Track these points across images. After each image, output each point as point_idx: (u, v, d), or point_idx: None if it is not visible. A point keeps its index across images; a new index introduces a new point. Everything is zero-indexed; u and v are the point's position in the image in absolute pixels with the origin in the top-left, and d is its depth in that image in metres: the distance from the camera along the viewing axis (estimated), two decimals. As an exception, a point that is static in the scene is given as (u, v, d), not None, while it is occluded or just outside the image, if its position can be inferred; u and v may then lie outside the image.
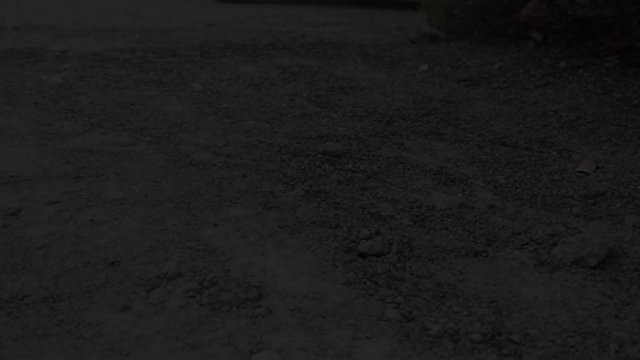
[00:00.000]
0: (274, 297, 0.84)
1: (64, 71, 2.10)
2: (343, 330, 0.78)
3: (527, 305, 0.85)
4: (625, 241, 1.03)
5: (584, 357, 0.74)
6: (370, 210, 1.12)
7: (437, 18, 3.02)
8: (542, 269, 0.94)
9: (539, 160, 1.40)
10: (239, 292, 0.84)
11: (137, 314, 0.80)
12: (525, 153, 1.45)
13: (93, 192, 1.15)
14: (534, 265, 0.94)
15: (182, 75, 2.12)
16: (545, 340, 0.77)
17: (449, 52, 2.64)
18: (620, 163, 1.39)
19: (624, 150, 1.48)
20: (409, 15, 4.87)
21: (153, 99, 1.82)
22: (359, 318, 0.80)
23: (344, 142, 1.49)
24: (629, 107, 1.77)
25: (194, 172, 1.27)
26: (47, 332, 0.77)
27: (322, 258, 0.95)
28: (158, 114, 1.67)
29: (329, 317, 0.80)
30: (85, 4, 5.55)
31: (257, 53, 2.60)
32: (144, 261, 0.92)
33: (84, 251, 0.94)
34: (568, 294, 0.88)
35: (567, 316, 0.82)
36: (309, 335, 0.77)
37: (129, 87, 1.94)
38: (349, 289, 0.87)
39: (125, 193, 1.15)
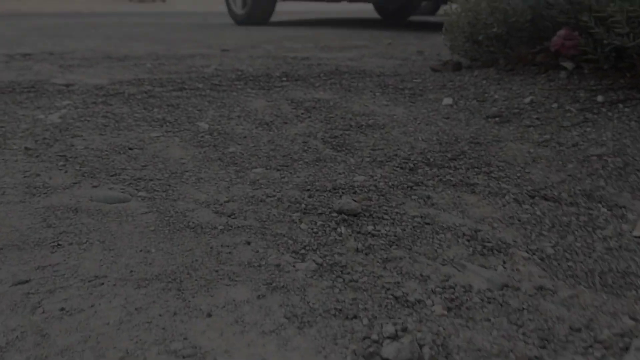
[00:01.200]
0: None
1: (64, 109, 1.95)
2: None
3: None
4: None
5: None
6: (394, 292, 0.92)
7: (460, 45, 2.83)
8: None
9: (589, 220, 1.20)
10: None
11: None
12: (571, 210, 1.25)
13: (71, 267, 0.98)
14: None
15: (188, 113, 1.96)
16: None
17: (473, 82, 2.45)
18: (683, 223, 1.18)
19: (685, 206, 1.27)
20: (429, 37, 4.70)
21: (154, 142, 1.65)
22: None
23: (362, 196, 1.30)
24: (682, 151, 1.56)
25: (190, 237, 1.09)
26: None
27: (336, 366, 0.75)
28: (157, 161, 1.51)
29: None
30: (109, 29, 5.48)
31: (270, 85, 2.43)
32: (117, 371, 0.74)
33: (45, 358, 0.76)
34: None
35: None
36: None
37: (130, 128, 1.77)
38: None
39: (108, 268, 0.98)
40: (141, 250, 1.04)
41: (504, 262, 1.03)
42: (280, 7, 8.55)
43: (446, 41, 2.94)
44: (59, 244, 1.05)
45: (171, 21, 8.53)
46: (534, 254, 1.06)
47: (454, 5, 2.77)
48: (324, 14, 10.48)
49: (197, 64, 2.98)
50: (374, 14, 9.23)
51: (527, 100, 2.10)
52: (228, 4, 8.28)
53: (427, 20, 8.17)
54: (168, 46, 3.95)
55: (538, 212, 1.24)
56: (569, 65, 2.43)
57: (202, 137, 1.72)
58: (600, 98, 2.04)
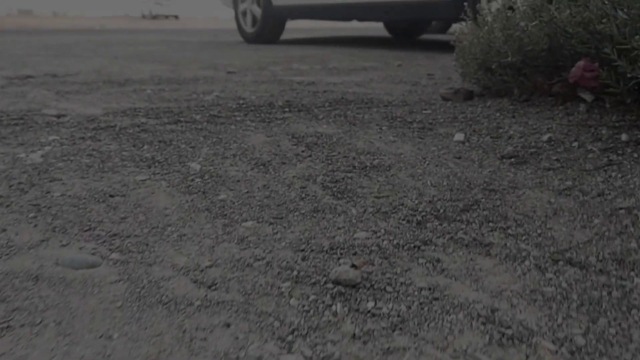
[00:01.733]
0: None
1: (48, 145, 1.83)
2: None
3: None
4: None
5: None
6: (396, 401, 0.77)
7: (472, 72, 2.68)
8: None
9: (622, 295, 1.03)
10: None
11: None
12: (601, 280, 1.08)
13: (17, 359, 0.83)
14: None
15: (180, 151, 1.82)
16: None
17: (486, 114, 2.29)
18: None
19: None
20: (439, 58, 4.56)
21: (139, 187, 1.51)
22: None
23: (363, 259, 1.14)
24: None
25: (162, 317, 0.94)
26: None
27: None
28: (139, 212, 1.36)
29: None
30: (118, 48, 5.39)
31: (271, 117, 2.29)
32: None
33: None
34: None
35: None
36: None
37: (116, 169, 1.64)
38: None
39: (59, 361, 0.83)
40: (102, 336, 0.89)
41: (527, 357, 0.86)
42: (290, 24, 8.46)
43: (457, 67, 2.80)
44: (8, 326, 0.91)
45: (182, 39, 8.49)
46: (562, 345, 0.89)
47: (466, 29, 2.63)
48: (334, 31, 10.41)
49: (199, 90, 2.85)
50: (385, 32, 9.13)
51: (545, 137, 1.94)
52: (238, 23, 8.22)
53: (438, 39, 8.05)
54: (173, 67, 3.85)
55: (564, 284, 1.07)
56: (588, 97, 2.27)
57: (192, 180, 1.57)
58: (624, 137, 1.87)
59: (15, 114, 2.23)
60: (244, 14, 7.90)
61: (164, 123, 2.15)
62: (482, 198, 1.49)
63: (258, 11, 7.57)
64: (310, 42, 7.74)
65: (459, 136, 2.03)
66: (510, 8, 2.47)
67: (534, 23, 2.33)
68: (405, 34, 8.89)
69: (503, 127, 2.11)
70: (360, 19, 6.95)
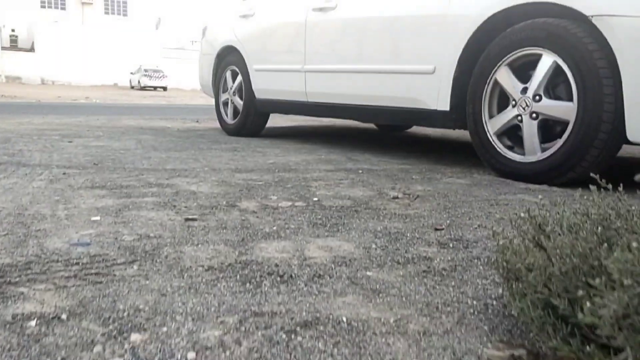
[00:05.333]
0: None
1: None
2: None
3: None
4: None
5: None
6: None
7: (535, 319, 1.56)
8: None
9: None
10: None
11: None
12: None
13: None
14: None
15: None
16: None
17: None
18: None
19: None
20: (452, 185, 3.15)
21: None
22: None
23: None
24: None
25: None
26: None
27: None
28: None
29: None
30: (78, 144, 4.06)
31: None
32: None
33: None
34: None
35: None
36: None
37: None
38: None
39: None
40: None
41: None
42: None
43: (509, 298, 1.68)
44: None
45: (161, 125, 7.56)
46: None
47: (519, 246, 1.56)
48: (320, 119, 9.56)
49: (121, 288, 1.78)
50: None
51: None
52: (219, 113, 7.31)
53: (427, 133, 7.18)
54: (118, 206, 2.73)
55: None
56: None
57: None
58: None
59: None
60: (225, 104, 7.02)
61: None
62: None
63: (240, 103, 6.69)
64: (296, 135, 6.82)
65: None
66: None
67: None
68: (393, 127, 8.12)
69: None
70: (347, 119, 6.06)
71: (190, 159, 4.27)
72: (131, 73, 56.81)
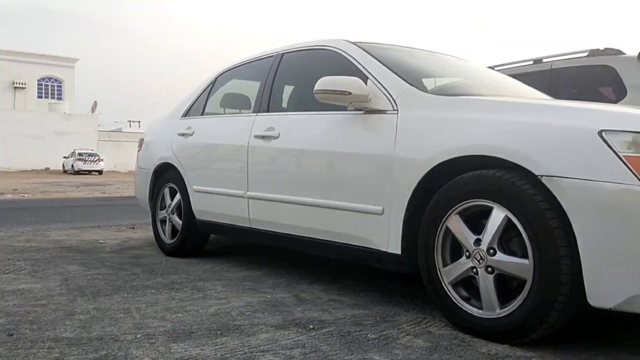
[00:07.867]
0: None
1: None
2: None
3: None
4: None
5: None
6: None
7: None
8: None
9: None
10: None
11: None
12: None
13: None
14: None
15: None
16: None
17: None
18: None
19: None
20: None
21: None
22: None
23: None
24: None
25: None
26: None
27: None
28: None
29: None
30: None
31: None
32: None
33: None
34: None
35: None
36: None
37: None
38: None
39: None
40: None
41: None
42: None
43: None
44: None
45: (91, 238, 6.94)
46: None
47: None
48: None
49: None
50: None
51: None
52: (156, 231, 6.84)
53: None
54: None
55: None
56: None
57: None
58: None
59: None
60: (163, 222, 6.60)
61: None
62: None
63: (178, 222, 6.29)
64: (239, 252, 6.37)
65: None
66: None
67: None
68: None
69: None
70: (295, 250, 5.73)
71: (121, 311, 3.79)
72: (65, 157, 55.03)
